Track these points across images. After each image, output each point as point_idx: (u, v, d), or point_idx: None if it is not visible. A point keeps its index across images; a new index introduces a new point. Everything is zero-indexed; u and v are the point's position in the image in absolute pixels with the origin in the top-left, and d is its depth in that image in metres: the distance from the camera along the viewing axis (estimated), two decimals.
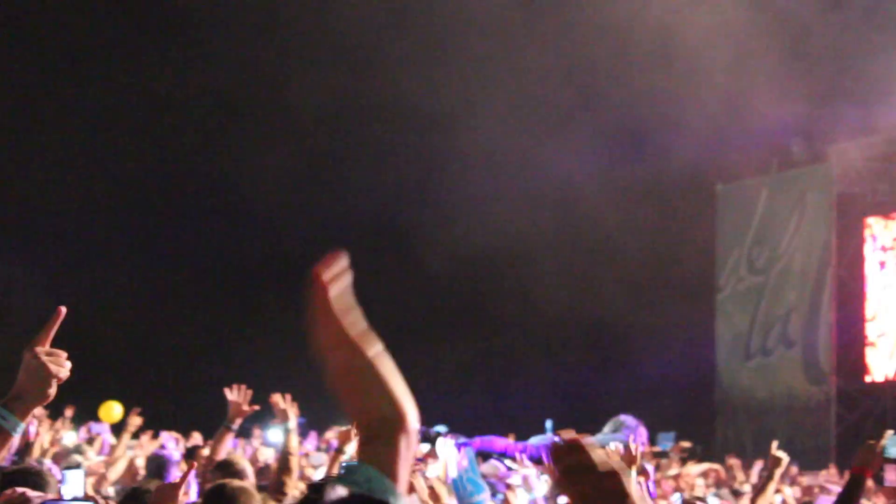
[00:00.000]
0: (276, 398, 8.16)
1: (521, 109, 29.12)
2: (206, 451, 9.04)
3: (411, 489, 7.80)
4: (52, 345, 3.61)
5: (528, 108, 29.22)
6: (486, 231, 28.61)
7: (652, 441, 14.04)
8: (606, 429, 12.67)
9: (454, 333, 31.36)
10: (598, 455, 2.33)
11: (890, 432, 11.09)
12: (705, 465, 17.42)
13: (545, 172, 29.63)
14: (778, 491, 12.44)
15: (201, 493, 7.01)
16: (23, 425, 3.55)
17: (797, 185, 29.48)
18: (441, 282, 29.92)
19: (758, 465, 13.36)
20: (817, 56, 26.24)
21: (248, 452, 14.61)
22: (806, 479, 17.35)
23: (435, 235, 28.71)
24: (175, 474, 9.49)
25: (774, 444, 8.24)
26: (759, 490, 8.46)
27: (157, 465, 10.15)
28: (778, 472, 8.20)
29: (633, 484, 2.30)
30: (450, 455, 10.08)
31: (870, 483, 8.31)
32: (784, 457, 8.06)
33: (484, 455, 11.89)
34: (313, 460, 14.08)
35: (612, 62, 27.48)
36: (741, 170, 30.65)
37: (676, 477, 15.11)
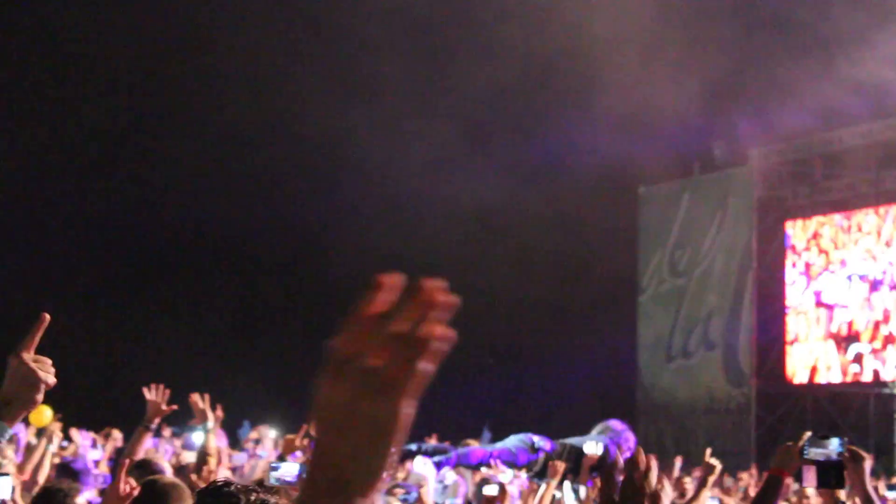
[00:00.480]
0: (195, 398, 8.04)
1: (437, 118, 29.13)
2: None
3: None
4: None
5: (445, 116, 29.23)
6: (406, 238, 28.57)
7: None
8: (594, 431, 12.69)
9: None
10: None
11: (808, 434, 11.14)
12: None
13: (466, 177, 29.64)
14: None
15: None
16: (10, 431, 3.53)
17: (718, 188, 29.70)
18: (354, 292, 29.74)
19: (678, 462, 13.39)
20: (739, 61, 26.46)
21: (168, 454, 14.41)
22: (727, 481, 17.42)
23: (345, 245, 28.64)
24: (91, 482, 9.31)
25: (708, 451, 8.27)
26: (692, 497, 8.47)
27: (70, 474, 9.93)
28: (711, 479, 8.23)
29: None
30: (429, 475, 10.12)
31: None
32: (717, 465, 8.08)
33: (467, 467, 11.89)
34: (234, 461, 13.93)
35: (533, 65, 27.56)
36: (663, 173, 30.83)
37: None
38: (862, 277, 26.21)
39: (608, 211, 30.74)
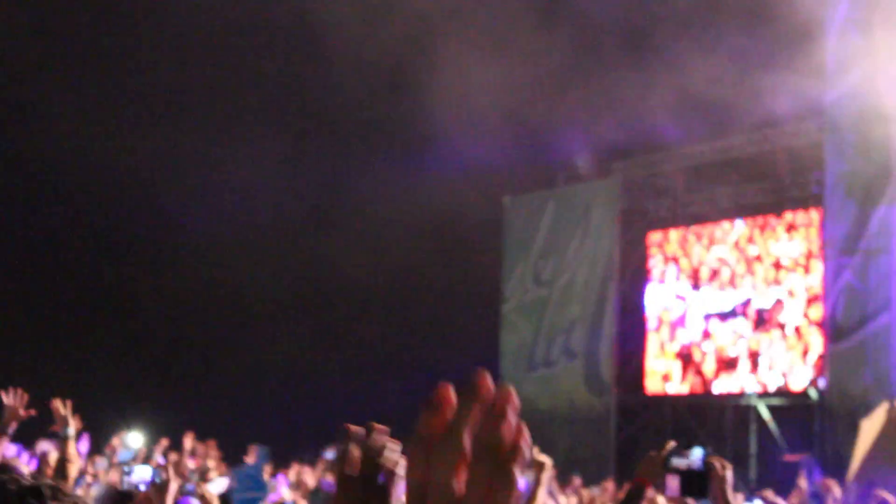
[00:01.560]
0: (56, 404, 7.86)
1: (293, 125, 29.04)
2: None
3: None
4: None
5: (297, 124, 29.14)
6: (254, 243, 28.39)
7: None
8: None
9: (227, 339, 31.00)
10: None
11: (672, 443, 11.25)
12: None
13: (325, 182, 29.57)
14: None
15: None
16: None
17: (582, 198, 29.98)
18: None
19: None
20: (603, 72, 26.74)
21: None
22: (587, 493, 17.56)
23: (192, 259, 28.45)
24: None
25: (535, 449, 8.21)
26: (528, 499, 8.43)
27: None
28: (545, 477, 8.19)
29: None
30: None
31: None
32: (547, 460, 8.05)
33: None
34: (97, 466, 13.69)
35: (399, 71, 27.55)
36: (528, 183, 31.05)
37: None
38: (720, 291, 26.64)
39: (473, 220, 30.86)
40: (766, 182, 26.56)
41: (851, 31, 23.33)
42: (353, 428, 2.17)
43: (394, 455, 2.12)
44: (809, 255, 24.89)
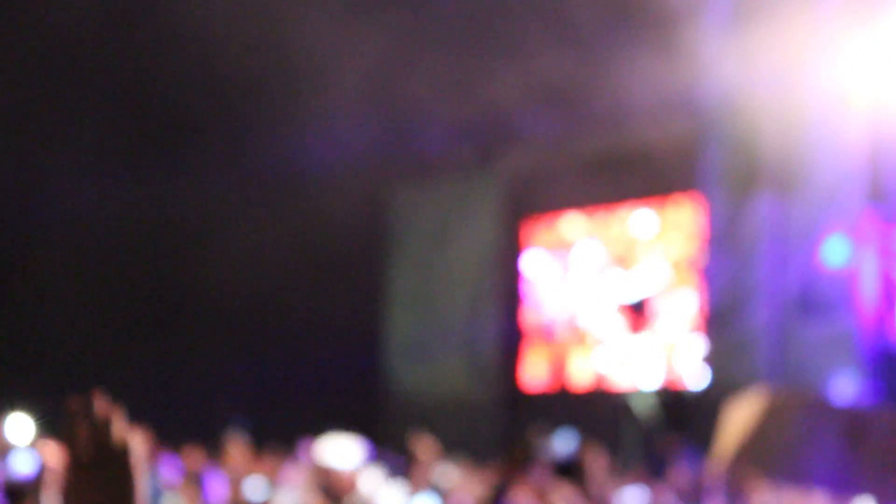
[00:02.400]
0: None
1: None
2: None
3: None
4: None
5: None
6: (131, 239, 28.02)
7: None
8: None
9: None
10: None
11: (545, 432, 11.31)
12: None
13: (211, 172, 29.24)
14: None
15: None
16: None
17: (464, 189, 29.94)
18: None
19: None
20: (487, 61, 26.72)
21: None
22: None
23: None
24: None
25: (419, 436, 8.17)
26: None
27: None
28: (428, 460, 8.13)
29: None
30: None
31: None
32: (431, 447, 8.01)
33: None
34: None
35: (272, 62, 27.30)
36: (412, 173, 30.96)
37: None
38: (600, 281, 26.79)
39: (356, 211, 30.70)
40: (642, 173, 26.70)
41: (727, 24, 23.53)
42: (77, 401, 1.98)
43: (123, 430, 1.95)
44: (686, 247, 25.08)
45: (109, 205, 28.88)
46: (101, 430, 1.94)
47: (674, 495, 13.39)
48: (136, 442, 2.01)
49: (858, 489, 7.85)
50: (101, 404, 2.00)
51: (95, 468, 1.93)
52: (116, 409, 1.99)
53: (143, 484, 1.91)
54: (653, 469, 17.47)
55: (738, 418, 8.44)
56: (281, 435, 21.98)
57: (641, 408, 26.62)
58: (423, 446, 8.01)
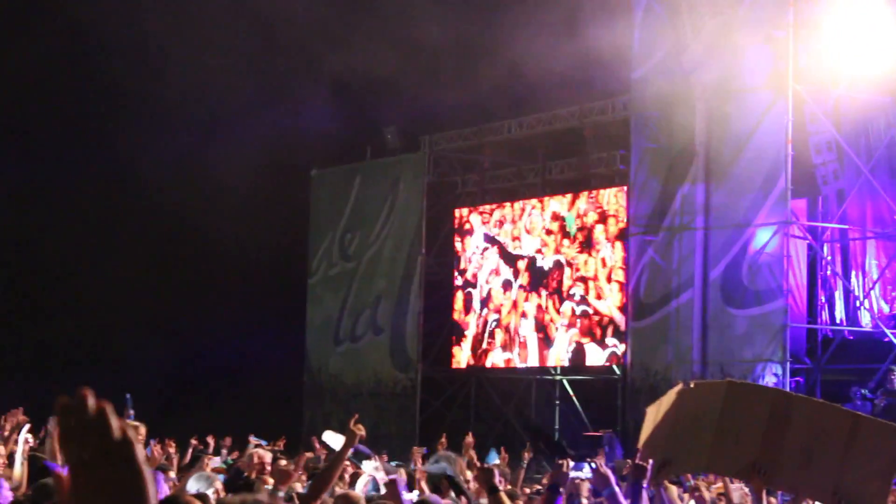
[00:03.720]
0: None
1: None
2: None
3: None
4: None
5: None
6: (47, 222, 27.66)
7: (245, 424, 13.77)
8: (430, 461, 12.54)
9: None
10: None
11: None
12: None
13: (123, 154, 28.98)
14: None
15: None
16: None
17: (390, 172, 29.86)
18: None
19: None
20: (413, 47, 26.66)
21: None
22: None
23: None
24: None
25: (354, 419, 8.10)
26: (327, 467, 8.26)
27: None
28: (348, 450, 8.05)
29: None
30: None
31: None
32: (361, 432, 7.94)
33: None
34: None
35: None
36: (336, 156, 30.82)
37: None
38: (527, 267, 26.83)
39: (279, 193, 30.54)
40: (573, 159, 26.81)
41: (657, 11, 23.65)
42: (65, 400, 1.90)
43: (120, 423, 1.88)
44: (615, 232, 25.19)
45: None
46: (96, 426, 1.87)
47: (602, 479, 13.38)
48: (136, 434, 1.93)
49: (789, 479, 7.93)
50: (91, 400, 1.92)
51: (99, 467, 1.86)
52: (107, 403, 1.92)
53: (150, 476, 1.85)
54: (579, 455, 17.52)
55: (656, 409, 8.46)
56: (204, 419, 21.80)
57: (569, 391, 26.74)
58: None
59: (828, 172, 22.97)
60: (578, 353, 25.62)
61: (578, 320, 25.58)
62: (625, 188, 24.76)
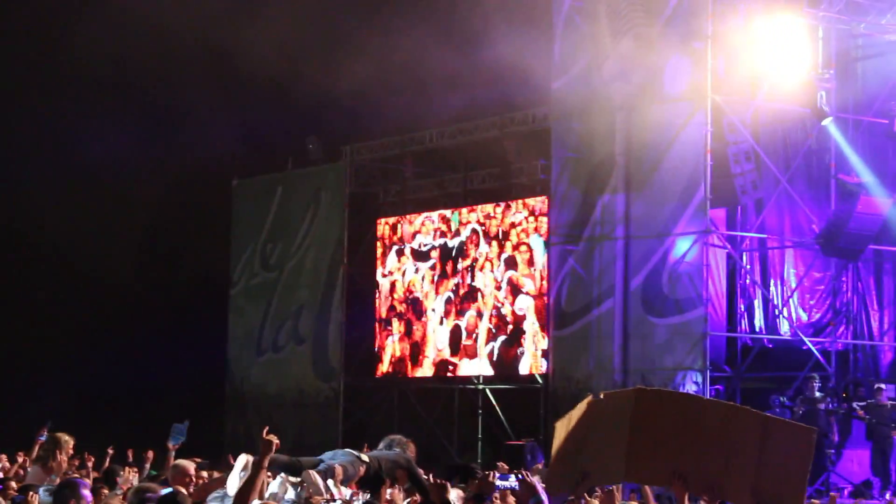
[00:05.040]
0: None
1: None
2: None
3: None
4: None
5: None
6: None
7: (165, 436, 13.60)
8: (382, 445, 12.48)
9: None
10: None
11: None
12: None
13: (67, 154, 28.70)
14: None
15: None
16: None
17: (312, 182, 29.78)
18: None
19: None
20: (335, 56, 26.63)
21: None
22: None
23: None
24: None
25: (265, 429, 8.03)
26: (248, 480, 8.21)
27: None
28: (267, 460, 8.01)
29: None
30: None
31: None
32: (275, 440, 7.89)
33: None
34: None
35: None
36: (257, 165, 30.69)
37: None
38: (449, 276, 26.84)
39: (201, 203, 30.36)
40: (494, 168, 26.85)
41: (577, 22, 23.76)
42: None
43: None
44: (536, 242, 25.25)
45: None
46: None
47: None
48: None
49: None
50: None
51: None
52: None
53: None
54: (509, 461, 17.53)
55: (567, 422, 8.45)
56: (125, 431, 21.58)
57: (491, 401, 26.78)
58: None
59: (746, 182, 23.18)
60: (502, 362, 25.66)
61: (502, 329, 25.61)
62: (545, 198, 24.82)
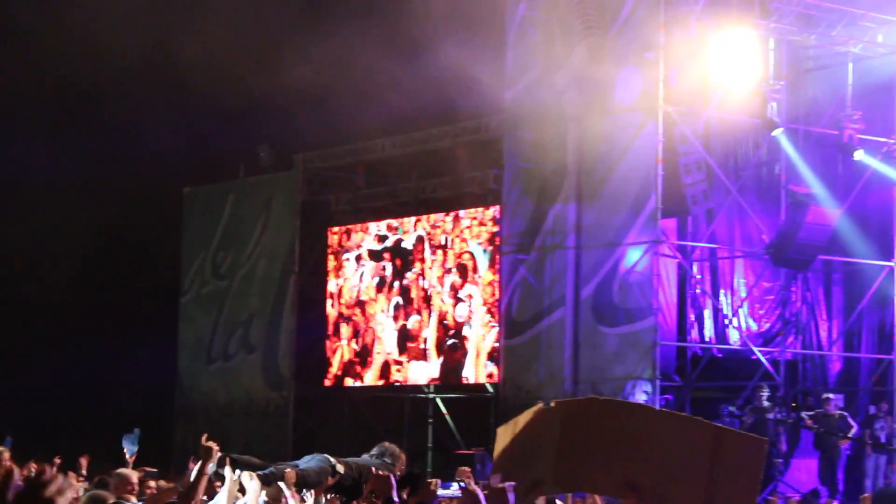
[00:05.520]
0: None
1: None
2: None
3: None
4: None
5: None
6: None
7: (115, 444, 13.54)
8: (374, 451, 12.39)
9: None
10: None
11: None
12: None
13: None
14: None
15: None
16: None
17: (263, 191, 29.70)
18: None
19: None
20: (288, 63, 26.56)
21: None
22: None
23: None
24: None
25: (204, 436, 7.99)
26: (190, 487, 8.15)
27: None
28: (209, 466, 7.97)
29: None
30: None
31: None
32: (214, 447, 7.85)
33: None
34: None
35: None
36: (209, 174, 30.56)
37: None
38: (400, 285, 26.79)
39: (153, 211, 30.21)
40: (445, 178, 26.83)
41: (530, 30, 23.81)
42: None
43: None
44: (488, 252, 25.25)
45: None
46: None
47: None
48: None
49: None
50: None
51: None
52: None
53: None
54: (451, 474, 17.49)
55: (512, 428, 8.41)
56: (75, 440, 21.40)
57: (442, 410, 26.75)
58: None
59: (697, 192, 23.25)
60: (453, 371, 25.64)
61: (454, 338, 25.59)
62: (498, 207, 24.83)
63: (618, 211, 22.25)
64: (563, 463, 7.98)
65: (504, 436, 8.45)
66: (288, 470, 11.13)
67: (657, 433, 7.96)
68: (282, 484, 10.65)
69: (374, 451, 12.50)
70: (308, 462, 11.73)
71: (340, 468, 11.66)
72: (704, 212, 23.48)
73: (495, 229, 24.99)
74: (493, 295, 24.91)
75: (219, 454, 9.48)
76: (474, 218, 25.59)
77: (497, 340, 24.56)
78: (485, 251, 25.08)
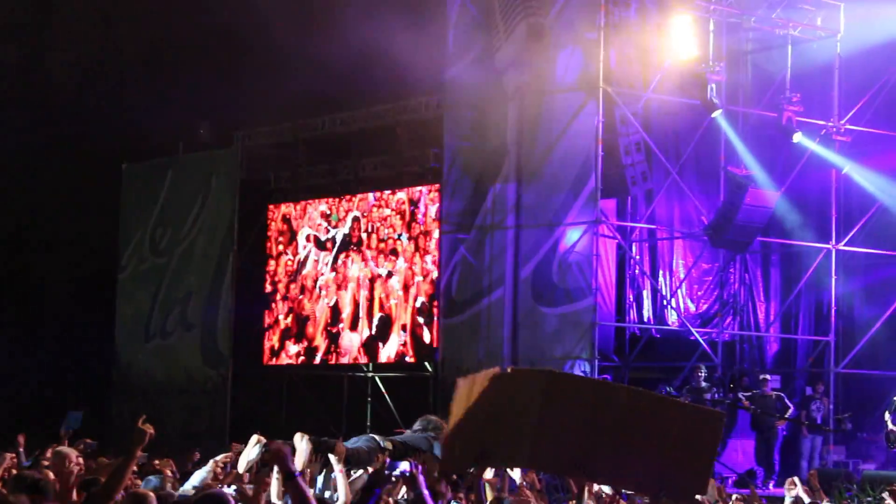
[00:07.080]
0: None
1: None
2: None
3: None
4: None
5: None
6: None
7: (53, 421, 13.41)
8: (417, 425, 12.09)
9: None
10: None
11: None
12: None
13: None
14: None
15: None
16: None
17: (203, 168, 29.48)
18: None
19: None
20: (225, 41, 26.40)
21: None
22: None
23: None
24: None
25: (141, 418, 7.84)
26: (113, 473, 7.98)
27: None
28: (138, 449, 7.84)
29: None
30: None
31: None
32: (150, 430, 7.71)
33: None
34: None
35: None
36: (147, 150, 30.27)
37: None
38: (340, 263, 26.74)
39: (90, 187, 29.92)
40: (385, 156, 26.75)
41: (470, 10, 23.76)
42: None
43: None
44: (426, 230, 25.23)
45: None
46: None
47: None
48: None
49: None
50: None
51: None
52: None
53: None
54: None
55: (469, 385, 8.18)
56: (10, 414, 21.20)
57: (381, 388, 26.74)
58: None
59: (637, 173, 23.34)
60: (391, 349, 25.61)
61: (392, 316, 25.58)
62: (437, 187, 24.80)
63: (557, 191, 22.27)
64: (516, 436, 7.72)
65: (462, 392, 8.19)
66: (339, 443, 10.91)
67: (613, 409, 7.69)
68: (331, 456, 10.51)
69: (417, 425, 12.20)
70: (355, 443, 11.54)
71: (388, 444, 11.51)
72: (644, 193, 23.57)
73: (429, 208, 24.97)
74: (422, 273, 24.93)
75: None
76: (411, 198, 25.54)
77: (415, 315, 24.63)
78: (410, 236, 25.03)
